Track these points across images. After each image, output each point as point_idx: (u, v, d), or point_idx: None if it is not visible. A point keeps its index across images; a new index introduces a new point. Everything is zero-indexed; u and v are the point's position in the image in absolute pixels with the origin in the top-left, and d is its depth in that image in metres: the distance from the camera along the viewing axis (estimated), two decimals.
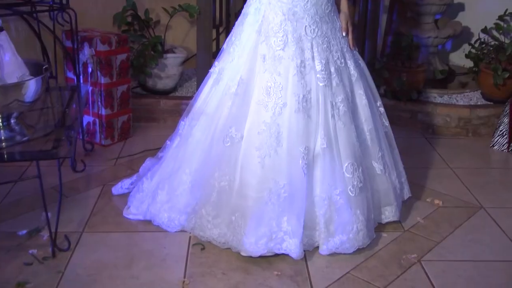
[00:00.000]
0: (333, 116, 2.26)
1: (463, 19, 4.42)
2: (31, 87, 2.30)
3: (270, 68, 2.24)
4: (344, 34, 2.42)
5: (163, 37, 3.89)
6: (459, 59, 4.46)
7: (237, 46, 2.35)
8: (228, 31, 3.91)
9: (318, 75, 2.26)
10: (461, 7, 4.46)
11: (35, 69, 2.43)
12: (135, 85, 3.89)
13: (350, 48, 2.44)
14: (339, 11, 2.47)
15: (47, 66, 2.38)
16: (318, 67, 2.26)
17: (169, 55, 3.82)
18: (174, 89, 3.97)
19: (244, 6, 2.40)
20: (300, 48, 2.25)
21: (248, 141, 2.23)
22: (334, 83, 2.30)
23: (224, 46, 2.46)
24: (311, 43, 2.27)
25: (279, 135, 2.20)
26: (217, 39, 4.15)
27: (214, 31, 4.02)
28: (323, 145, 2.23)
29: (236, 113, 2.26)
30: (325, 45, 2.31)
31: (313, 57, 2.27)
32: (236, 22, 2.42)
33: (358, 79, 2.41)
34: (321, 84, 2.25)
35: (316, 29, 2.29)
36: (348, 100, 2.33)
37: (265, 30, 2.27)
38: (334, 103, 2.28)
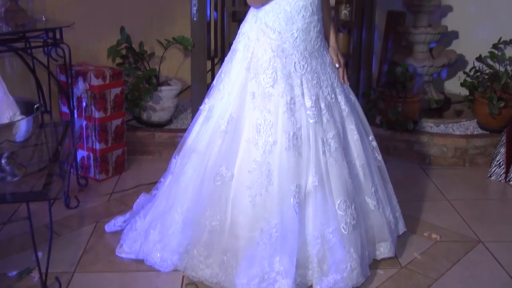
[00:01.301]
0: (324, 153, 2.24)
1: (458, 47, 4.43)
2: (22, 127, 2.28)
3: (259, 106, 2.23)
4: (337, 65, 2.42)
5: (157, 69, 3.89)
6: (454, 87, 4.46)
7: (227, 83, 2.34)
8: (223, 62, 3.91)
9: (308, 112, 2.24)
10: (455, 35, 4.47)
11: (27, 108, 2.41)
12: (130, 117, 3.88)
13: (342, 81, 2.43)
14: (328, 45, 2.47)
15: (38, 105, 2.37)
16: (308, 103, 2.25)
17: (163, 87, 3.82)
18: (169, 121, 3.97)
19: (233, 42, 2.40)
20: (290, 85, 2.24)
21: (238, 180, 2.21)
22: (324, 119, 2.28)
23: (214, 82, 2.45)
24: (300, 79, 2.26)
25: (270, 174, 2.18)
26: (212, 70, 4.15)
27: (209, 62, 4.03)
28: (314, 183, 2.20)
29: (226, 151, 2.25)
30: (315, 81, 2.30)
31: (303, 94, 2.26)
32: (226, 59, 2.42)
33: (349, 114, 2.40)
34: (311, 121, 2.24)
35: (306, 65, 2.28)
36: (339, 136, 2.31)
37: (254, 67, 2.27)
38: (325, 140, 2.26)
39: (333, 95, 2.36)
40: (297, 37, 2.27)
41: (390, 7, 4.61)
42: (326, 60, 2.38)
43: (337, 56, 2.44)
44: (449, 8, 4.46)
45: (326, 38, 2.47)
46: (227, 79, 2.35)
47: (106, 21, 3.88)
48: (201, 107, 2.44)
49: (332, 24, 2.51)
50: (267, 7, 2.26)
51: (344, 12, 4.72)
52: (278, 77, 2.24)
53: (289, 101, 2.23)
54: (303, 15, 2.26)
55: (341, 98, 2.40)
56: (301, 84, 2.26)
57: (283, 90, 2.23)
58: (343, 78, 2.43)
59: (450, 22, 4.43)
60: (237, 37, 2.38)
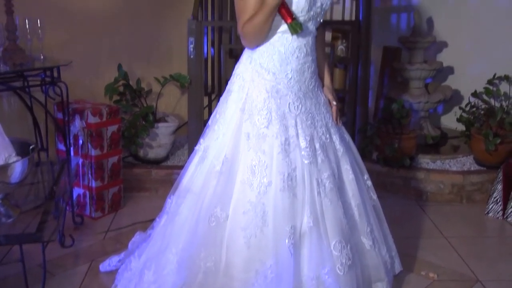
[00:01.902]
0: (319, 193, 2.24)
1: (453, 82, 4.48)
2: (17, 169, 2.30)
3: (254, 147, 2.24)
4: (334, 103, 2.45)
5: (155, 105, 3.93)
6: (451, 121, 4.48)
7: (222, 124, 2.36)
8: (220, 98, 3.95)
9: (303, 152, 2.26)
10: (450, 71, 4.52)
11: (22, 149, 2.43)
12: (126, 154, 3.89)
13: (334, 122, 2.45)
14: (323, 85, 2.50)
15: (34, 146, 2.39)
16: (303, 144, 2.27)
17: (160, 124, 3.85)
18: (166, 157, 3.98)
19: (228, 83, 2.43)
20: (284, 126, 2.26)
21: (233, 221, 2.21)
22: (319, 160, 2.30)
23: (209, 122, 2.47)
24: (295, 120, 2.29)
25: (265, 215, 2.18)
26: (209, 106, 4.19)
27: (206, 98, 4.07)
28: (309, 224, 2.20)
29: (221, 192, 2.25)
30: (309, 122, 2.32)
31: (297, 134, 2.27)
32: (221, 99, 2.44)
33: (344, 153, 2.42)
34: (306, 162, 2.25)
35: (300, 106, 2.31)
36: (334, 177, 2.32)
37: (249, 108, 2.29)
38: (320, 180, 2.27)
39: (327, 135, 2.37)
40: (291, 78, 2.29)
41: (386, 43, 4.67)
42: (320, 100, 2.41)
43: (332, 96, 2.47)
44: (444, 44, 4.52)
45: (321, 78, 2.50)
46: (222, 119, 2.37)
47: (104, 58, 3.93)
48: (196, 148, 2.46)
49: (327, 64, 2.55)
50: (261, 48, 2.29)
51: (340, 47, 4.79)
52: (273, 118, 2.26)
53: (284, 142, 2.24)
54: (297, 56, 2.29)
55: (335, 138, 2.42)
56: (296, 125, 2.28)
57: (277, 131, 2.25)
58: (336, 119, 2.45)
59: (445, 57, 4.48)
60: (232, 77, 2.40)
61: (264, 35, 2.24)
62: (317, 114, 2.37)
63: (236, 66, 2.41)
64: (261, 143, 2.25)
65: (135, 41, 4.07)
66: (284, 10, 2.17)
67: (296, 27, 2.18)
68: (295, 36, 2.25)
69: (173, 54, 4.22)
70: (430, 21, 4.55)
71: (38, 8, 3.43)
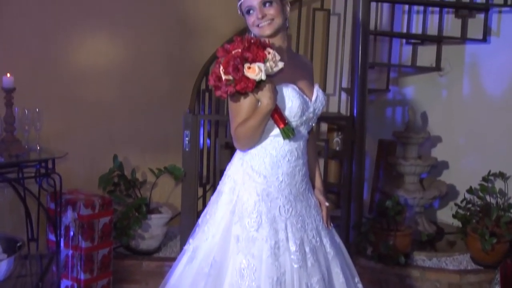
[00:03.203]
0: None
1: (448, 177, 4.52)
2: (3, 267, 2.30)
3: (243, 250, 2.24)
4: (327, 204, 2.46)
5: (149, 195, 3.95)
6: (447, 216, 4.49)
7: (212, 225, 2.36)
8: (215, 189, 3.98)
9: (292, 256, 2.25)
10: (445, 165, 4.58)
11: (9, 245, 2.44)
12: (117, 244, 3.87)
13: (325, 225, 2.46)
14: (314, 187, 2.53)
15: (21, 243, 2.40)
16: (293, 248, 2.26)
17: (153, 215, 3.85)
18: (158, 248, 3.96)
19: (219, 184, 2.45)
20: (274, 229, 2.27)
21: None
22: (309, 264, 2.28)
23: (199, 221, 2.47)
24: (285, 223, 2.29)
25: None
26: (204, 197, 4.20)
27: (200, 189, 4.10)
28: None
29: None
30: (300, 225, 2.32)
31: (287, 238, 2.27)
32: (211, 199, 2.45)
33: (334, 257, 2.40)
34: (295, 266, 2.24)
35: (291, 209, 2.32)
36: (324, 281, 2.30)
37: (239, 210, 2.30)
38: (309, 284, 2.25)
39: (318, 238, 2.37)
40: (282, 181, 2.32)
41: (381, 136, 4.76)
42: (311, 203, 2.42)
43: (323, 198, 2.49)
44: (438, 139, 4.61)
45: (312, 180, 2.53)
46: (212, 220, 2.37)
47: (100, 148, 3.99)
48: (185, 247, 2.45)
49: (318, 166, 2.59)
50: (253, 151, 2.33)
51: (336, 139, 4.89)
52: (263, 221, 2.27)
53: (273, 246, 2.24)
54: (288, 160, 2.33)
55: (326, 241, 2.41)
56: (286, 228, 2.28)
57: (267, 234, 2.25)
58: (327, 222, 2.46)
59: (439, 152, 4.55)
60: (223, 178, 2.43)
61: (256, 139, 2.28)
62: (308, 217, 2.37)
63: (227, 167, 2.45)
64: (250, 246, 2.24)
65: (132, 131, 4.16)
66: (277, 115, 2.22)
67: (289, 132, 2.23)
68: (287, 140, 2.30)
69: (170, 145, 4.28)
70: (424, 116, 4.67)
71: (37, 98, 3.53)
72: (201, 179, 4.11)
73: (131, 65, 4.13)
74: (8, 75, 3.12)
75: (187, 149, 3.74)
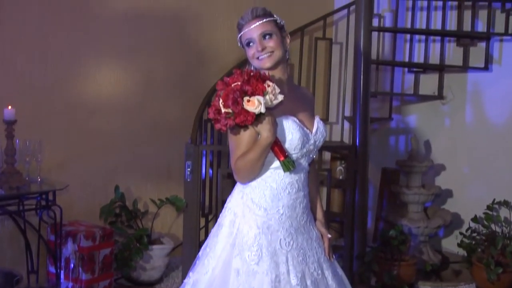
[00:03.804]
0: None
1: (453, 205, 4.49)
2: None
3: (244, 283, 2.21)
4: (329, 236, 2.44)
5: (151, 226, 3.93)
6: (452, 245, 4.44)
7: (212, 258, 2.34)
8: (217, 219, 3.96)
9: None
10: (449, 194, 4.55)
11: (7, 280, 2.42)
12: (118, 275, 3.84)
13: (327, 257, 2.43)
14: (315, 219, 2.51)
15: (18, 278, 2.38)
16: (294, 281, 2.23)
17: (155, 246, 3.83)
18: (160, 279, 3.92)
19: (220, 216, 2.43)
20: (275, 262, 2.24)
21: None
22: None
23: (200, 254, 2.45)
24: (286, 256, 2.26)
25: None
26: (206, 227, 4.18)
27: (203, 219, 4.07)
28: None
29: None
30: (301, 258, 2.29)
31: (288, 271, 2.24)
32: (211, 232, 2.43)
33: None
34: None
35: (291, 242, 2.29)
36: None
37: (239, 243, 2.27)
38: None
39: (319, 271, 2.34)
40: (282, 213, 2.30)
41: (384, 165, 4.74)
42: (312, 235, 2.40)
43: (324, 230, 2.47)
44: (442, 167, 4.59)
45: (313, 211, 2.51)
46: (212, 253, 2.35)
47: (102, 179, 3.98)
48: (185, 280, 2.42)
49: (319, 198, 2.57)
50: (253, 183, 2.32)
51: (339, 168, 4.87)
52: (263, 254, 2.24)
53: (274, 279, 2.21)
54: (289, 192, 2.31)
55: (328, 273, 2.38)
56: (287, 261, 2.26)
57: (268, 267, 2.22)
58: (329, 254, 2.44)
59: (443, 181, 4.53)
60: (223, 211, 2.41)
61: (256, 171, 2.27)
62: (309, 249, 2.35)
63: (227, 200, 2.43)
64: (251, 280, 2.21)
65: (134, 162, 4.15)
66: (277, 148, 2.21)
67: (289, 165, 2.21)
68: (287, 172, 2.28)
69: (172, 175, 4.28)
70: (427, 144, 4.65)
71: (38, 128, 3.56)
72: (203, 209, 4.09)
73: (134, 95, 4.15)
74: (9, 107, 3.13)
75: (188, 180, 3.72)
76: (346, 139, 4.84)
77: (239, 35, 2.33)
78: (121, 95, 4.10)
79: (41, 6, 3.67)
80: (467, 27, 4.42)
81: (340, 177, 4.78)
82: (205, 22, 4.44)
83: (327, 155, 5.03)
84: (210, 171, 4.24)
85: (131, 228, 3.88)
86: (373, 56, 4.44)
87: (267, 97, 2.06)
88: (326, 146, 4.46)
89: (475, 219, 4.05)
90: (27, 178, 3.25)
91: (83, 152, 3.87)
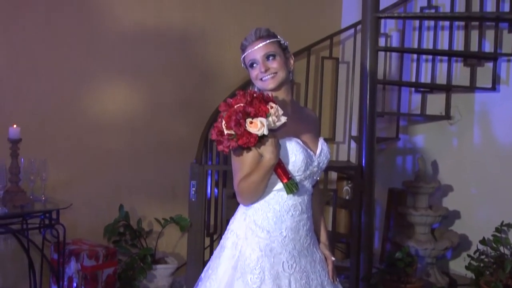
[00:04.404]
0: None
1: (461, 227, 4.44)
2: None
3: None
4: (333, 258, 2.41)
5: (155, 244, 3.92)
6: (460, 267, 4.39)
7: (214, 280, 2.31)
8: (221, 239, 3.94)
9: None
10: (457, 215, 4.50)
11: None
12: None
13: (331, 280, 2.40)
14: (319, 241, 2.48)
15: None
16: None
17: (159, 266, 3.81)
18: None
19: (222, 238, 2.41)
20: (278, 285, 2.21)
21: None
22: None
23: (202, 276, 2.43)
24: (289, 279, 2.24)
25: None
26: (211, 246, 4.15)
27: (207, 239, 4.05)
28: None
29: None
30: (304, 281, 2.27)
31: None
32: (214, 254, 2.41)
33: None
34: None
35: (294, 265, 2.27)
36: None
37: (241, 266, 2.25)
38: None
39: None
40: (285, 236, 2.27)
41: (391, 185, 4.71)
42: (316, 257, 2.37)
43: (328, 252, 2.44)
44: (450, 188, 4.55)
45: (317, 234, 2.48)
46: (214, 276, 2.33)
47: (106, 198, 3.97)
48: None
49: (323, 219, 2.54)
50: (256, 205, 2.30)
51: (346, 188, 4.84)
52: (266, 277, 2.22)
53: None
54: (292, 214, 2.29)
55: None
56: (289, 285, 2.23)
57: None
58: (333, 277, 2.41)
59: (451, 202, 4.48)
60: (225, 233, 2.39)
61: (259, 193, 2.25)
62: (312, 272, 2.32)
63: (230, 221, 2.42)
64: None
65: (139, 181, 4.15)
66: (280, 170, 2.19)
67: (292, 187, 2.20)
68: (290, 194, 2.27)
69: (177, 194, 4.27)
70: (435, 165, 4.62)
71: (44, 147, 3.56)
72: (208, 229, 4.07)
73: (140, 114, 4.15)
74: (15, 126, 3.14)
75: (193, 199, 3.71)
76: (353, 159, 4.82)
77: (243, 56, 2.33)
78: (127, 114, 4.10)
79: (49, 26, 3.70)
80: (474, 47, 4.41)
81: (347, 197, 4.75)
82: (212, 41, 4.46)
83: (333, 175, 5.01)
84: (216, 190, 4.22)
85: (135, 247, 3.86)
86: (380, 75, 4.44)
87: (270, 118, 2.05)
88: (332, 166, 4.46)
89: (483, 241, 3.99)
90: (31, 197, 3.25)
91: (88, 171, 3.87)
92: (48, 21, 3.70)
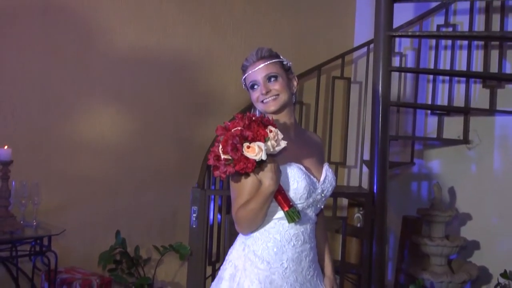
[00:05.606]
0: None
1: (480, 258, 4.37)
2: None
3: None
4: None
5: (153, 273, 3.88)
6: None
7: None
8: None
9: None
10: (476, 245, 4.43)
11: None
12: None
13: None
14: (323, 274, 2.44)
15: None
16: None
17: None
18: None
19: (220, 269, 2.38)
20: None
21: None
22: None
23: None
24: None
25: None
26: (213, 275, 4.10)
27: (209, 267, 4.01)
28: None
29: None
30: None
31: None
32: (211, 286, 2.38)
33: None
34: None
35: None
36: None
37: None
38: None
39: None
40: (287, 267, 2.24)
41: (406, 212, 4.65)
42: None
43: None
44: (468, 217, 4.48)
45: (321, 265, 2.44)
46: None
47: (102, 223, 3.94)
48: None
49: (328, 250, 2.50)
50: (256, 234, 2.27)
51: (357, 215, 4.80)
52: None
53: None
54: (293, 244, 2.25)
55: None
56: None
57: None
58: None
59: (469, 232, 4.42)
60: (224, 264, 2.36)
61: (258, 222, 2.22)
62: None
63: (229, 251, 2.39)
64: None
65: (136, 206, 4.12)
66: (280, 197, 2.16)
67: (294, 215, 2.16)
68: (292, 223, 2.23)
69: (177, 221, 4.24)
70: (452, 191, 4.56)
71: (36, 170, 3.55)
72: (210, 257, 4.03)
73: (137, 138, 4.13)
74: (6, 147, 3.14)
75: (194, 226, 3.68)
76: (365, 184, 4.77)
77: (244, 77, 2.33)
78: (124, 137, 4.08)
79: (43, 45, 3.70)
80: (494, 68, 4.38)
81: (358, 225, 4.69)
82: (213, 63, 4.47)
83: (344, 201, 4.97)
84: (219, 216, 4.19)
85: (132, 277, 3.83)
86: (394, 97, 4.41)
87: (269, 143, 2.03)
88: (341, 192, 4.42)
89: (504, 275, 3.93)
90: (21, 222, 3.23)
91: (83, 195, 3.85)
92: (41, 42, 3.70)
